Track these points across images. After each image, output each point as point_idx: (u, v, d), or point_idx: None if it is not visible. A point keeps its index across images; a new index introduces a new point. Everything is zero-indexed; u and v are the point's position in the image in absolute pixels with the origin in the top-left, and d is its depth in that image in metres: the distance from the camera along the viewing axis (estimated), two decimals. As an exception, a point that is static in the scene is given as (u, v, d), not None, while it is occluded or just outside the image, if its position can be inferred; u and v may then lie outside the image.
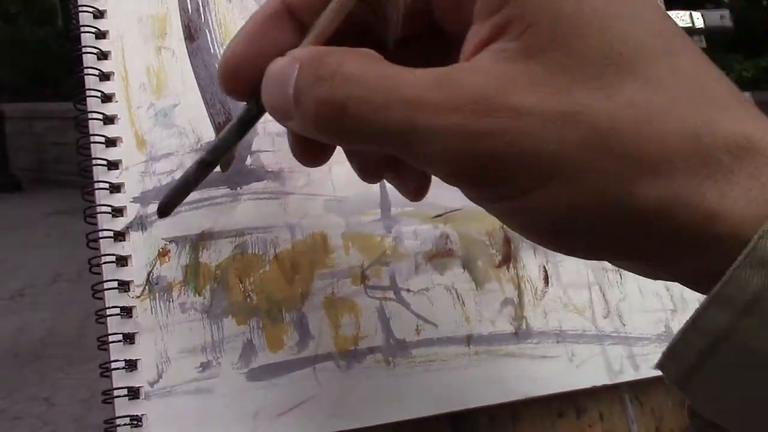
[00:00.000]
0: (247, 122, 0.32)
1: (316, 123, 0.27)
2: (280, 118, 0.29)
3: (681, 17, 0.59)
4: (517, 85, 0.24)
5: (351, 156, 0.36)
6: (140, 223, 0.45)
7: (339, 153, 0.48)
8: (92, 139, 0.46)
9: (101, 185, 0.46)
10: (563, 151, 0.24)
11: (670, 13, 0.59)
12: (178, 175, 0.46)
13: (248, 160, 0.48)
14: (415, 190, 0.37)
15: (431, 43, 0.32)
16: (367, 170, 0.37)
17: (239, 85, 0.31)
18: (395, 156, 0.28)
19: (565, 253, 0.28)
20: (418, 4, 0.31)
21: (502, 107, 0.24)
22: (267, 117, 0.48)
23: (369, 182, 0.38)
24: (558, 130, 0.24)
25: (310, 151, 0.35)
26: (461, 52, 0.28)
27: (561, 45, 0.24)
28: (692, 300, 0.51)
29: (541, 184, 0.24)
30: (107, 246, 0.45)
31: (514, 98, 0.24)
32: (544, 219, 0.26)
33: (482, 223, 0.49)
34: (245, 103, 0.32)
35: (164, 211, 0.37)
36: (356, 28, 0.31)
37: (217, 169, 0.47)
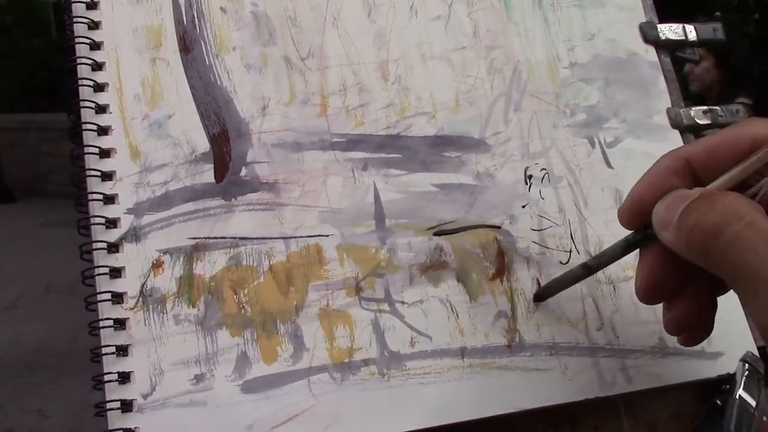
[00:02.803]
0: (632, 245, 0.39)
1: (689, 240, 0.33)
2: (660, 229, 0.35)
3: (674, 30, 0.59)
4: None
5: (654, 271, 0.39)
6: (134, 235, 0.45)
7: (333, 163, 0.49)
8: (86, 150, 0.46)
9: (95, 196, 0.45)
10: None
11: (663, 25, 0.59)
12: (172, 186, 0.46)
13: (243, 171, 0.48)
14: (686, 325, 0.40)
15: None
16: (659, 288, 0.39)
17: (637, 218, 0.38)
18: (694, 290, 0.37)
19: None
20: None
21: None
22: (263, 128, 0.48)
23: (647, 298, 0.40)
24: None
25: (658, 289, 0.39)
26: None
27: None
28: (686, 312, 0.51)
29: None
30: (101, 257, 0.45)
31: None
32: None
33: (476, 236, 0.49)
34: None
35: (540, 297, 0.48)
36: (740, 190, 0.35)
37: (212, 179, 0.47)
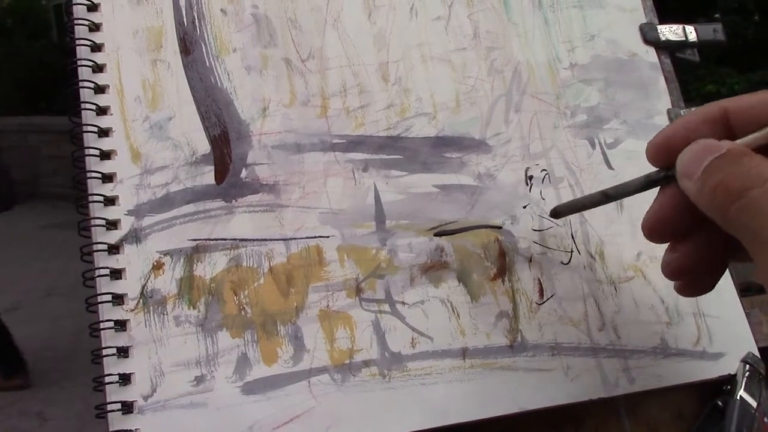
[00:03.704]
0: (653, 182, 0.39)
1: (711, 197, 0.33)
2: (683, 176, 0.35)
3: (674, 31, 0.59)
4: None
5: (666, 209, 0.39)
6: (135, 236, 0.45)
7: (334, 164, 0.49)
8: (87, 152, 0.46)
9: (96, 198, 0.45)
10: None
11: (663, 26, 0.59)
12: (172, 188, 0.46)
13: (243, 173, 0.48)
14: (684, 271, 0.40)
15: None
16: (667, 227, 0.39)
17: (662, 155, 0.38)
18: (706, 236, 0.37)
19: None
20: None
21: None
22: (263, 130, 0.48)
23: (652, 235, 0.40)
24: None
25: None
26: None
27: None
28: (687, 313, 0.51)
29: None
30: (101, 259, 0.45)
31: None
32: None
33: (477, 236, 0.49)
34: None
35: (557, 213, 0.47)
36: None
37: (212, 181, 0.47)
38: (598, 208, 0.52)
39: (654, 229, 0.39)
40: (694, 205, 0.35)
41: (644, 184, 0.40)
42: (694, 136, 0.36)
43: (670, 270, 0.40)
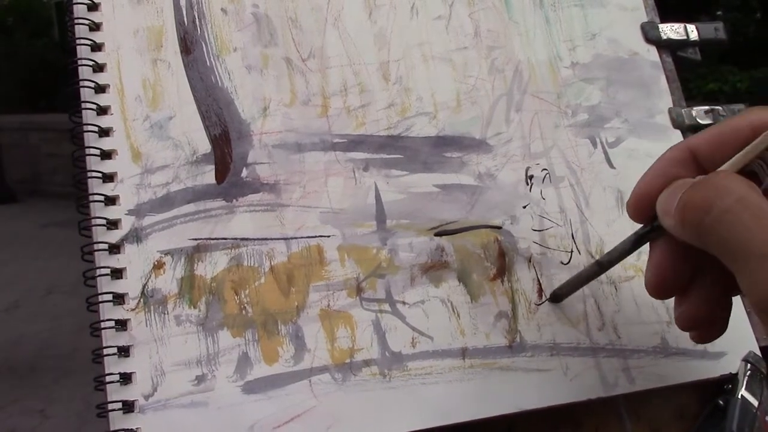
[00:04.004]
0: (642, 237, 0.40)
1: (682, 220, 0.33)
2: (663, 215, 0.36)
3: (676, 30, 0.59)
4: None
5: (664, 264, 0.39)
6: (135, 236, 0.45)
7: (334, 164, 0.49)
8: (87, 151, 0.46)
9: (96, 198, 0.45)
10: None
11: (664, 25, 0.59)
12: (173, 187, 0.46)
13: (244, 172, 0.48)
14: (697, 320, 0.40)
15: None
16: (670, 282, 0.39)
17: (644, 211, 0.38)
18: (704, 283, 0.37)
19: None
20: None
21: None
22: (264, 129, 0.48)
23: (657, 293, 0.40)
24: None
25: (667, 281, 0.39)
26: None
27: None
28: (688, 312, 0.51)
29: None
30: (102, 258, 0.45)
31: None
32: None
33: (477, 236, 0.49)
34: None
35: (557, 298, 0.49)
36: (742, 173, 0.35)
37: (213, 180, 0.47)
38: (598, 206, 0.52)
39: (658, 287, 0.39)
40: (688, 250, 0.35)
41: (634, 242, 0.41)
42: (669, 182, 0.36)
43: (683, 323, 0.40)
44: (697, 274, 0.38)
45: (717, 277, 0.37)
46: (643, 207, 0.38)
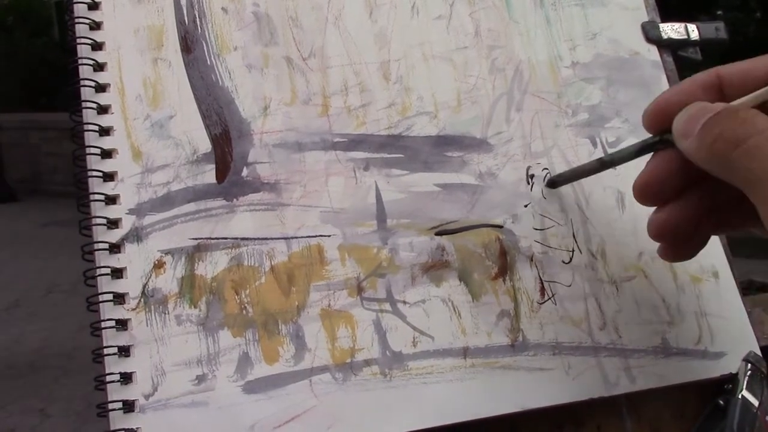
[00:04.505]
0: (649, 146, 0.41)
1: (710, 150, 0.34)
2: (680, 136, 0.37)
3: (676, 29, 0.59)
4: None
5: (659, 172, 0.41)
6: (136, 235, 0.45)
7: (335, 163, 0.49)
8: (88, 150, 0.46)
9: (97, 197, 0.45)
10: None
11: (665, 25, 0.59)
12: (173, 186, 0.46)
13: (244, 172, 0.48)
14: (672, 235, 0.41)
15: None
16: (658, 190, 0.41)
17: (658, 121, 0.39)
18: (696, 197, 0.38)
19: None
20: None
21: None
22: (264, 128, 0.48)
23: (642, 195, 0.41)
24: None
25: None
26: None
27: None
28: (689, 312, 0.51)
29: None
30: (102, 258, 0.45)
31: None
32: None
33: (478, 236, 0.49)
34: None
35: (554, 183, 0.50)
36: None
37: (213, 179, 0.47)
38: (599, 205, 0.52)
39: (645, 190, 0.41)
40: (687, 167, 0.37)
41: (640, 148, 0.42)
42: (689, 101, 0.37)
43: (654, 228, 0.41)
44: (685, 191, 0.40)
45: (704, 201, 0.39)
46: (659, 118, 0.39)
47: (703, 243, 0.42)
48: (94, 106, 0.47)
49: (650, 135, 0.41)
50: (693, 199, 0.40)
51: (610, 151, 0.54)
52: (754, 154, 0.33)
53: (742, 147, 0.33)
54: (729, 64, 0.39)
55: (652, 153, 0.42)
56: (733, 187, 0.34)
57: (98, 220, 0.45)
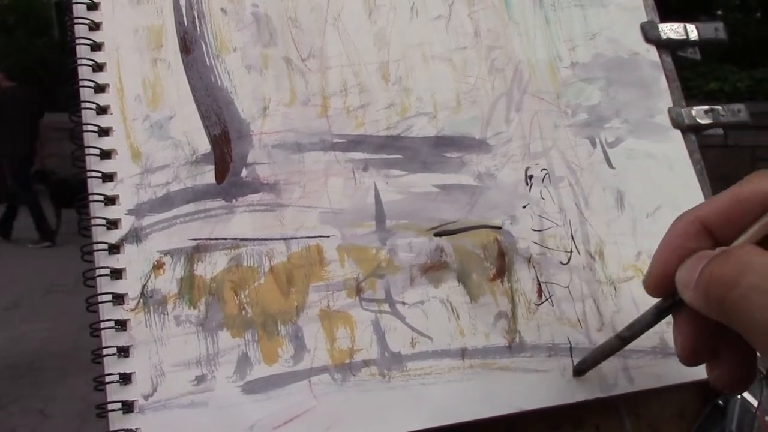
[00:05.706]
0: (663, 311, 0.39)
1: (706, 295, 0.33)
2: (684, 289, 0.35)
3: (675, 29, 0.59)
4: None
5: (690, 335, 0.39)
6: (135, 236, 0.45)
7: (334, 164, 0.48)
8: (87, 150, 0.46)
9: (96, 197, 0.45)
10: None
11: (664, 25, 0.59)
12: (173, 187, 0.46)
13: (244, 172, 0.48)
14: (732, 381, 0.39)
15: None
16: (699, 351, 0.39)
17: (662, 286, 0.37)
18: (732, 346, 0.36)
19: None
20: None
21: None
22: (263, 129, 0.48)
23: (689, 363, 0.39)
24: None
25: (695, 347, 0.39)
26: None
27: None
28: (687, 312, 0.51)
29: None
30: (102, 258, 0.45)
31: None
32: None
33: (477, 237, 0.49)
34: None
35: (580, 371, 0.47)
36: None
37: (212, 180, 0.47)
38: (598, 206, 0.52)
39: (689, 358, 0.38)
40: (711, 319, 0.34)
41: (655, 315, 0.40)
42: (686, 256, 0.36)
43: (721, 386, 0.39)
44: (723, 338, 0.37)
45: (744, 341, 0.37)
46: (661, 282, 0.38)
47: (755, 362, 0.39)
48: (94, 106, 0.47)
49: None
50: (738, 343, 0.36)
51: (610, 151, 0.54)
52: (751, 298, 0.30)
53: (737, 290, 0.31)
54: (702, 205, 0.37)
55: (670, 316, 0.40)
56: None
57: (98, 221, 0.45)
